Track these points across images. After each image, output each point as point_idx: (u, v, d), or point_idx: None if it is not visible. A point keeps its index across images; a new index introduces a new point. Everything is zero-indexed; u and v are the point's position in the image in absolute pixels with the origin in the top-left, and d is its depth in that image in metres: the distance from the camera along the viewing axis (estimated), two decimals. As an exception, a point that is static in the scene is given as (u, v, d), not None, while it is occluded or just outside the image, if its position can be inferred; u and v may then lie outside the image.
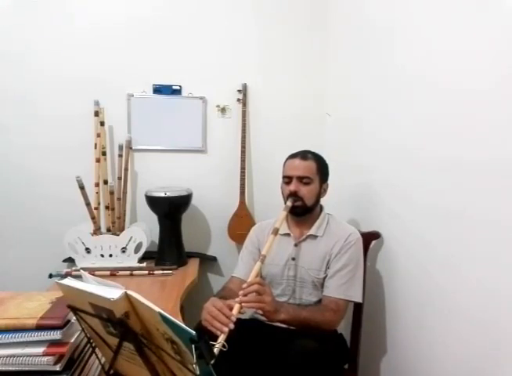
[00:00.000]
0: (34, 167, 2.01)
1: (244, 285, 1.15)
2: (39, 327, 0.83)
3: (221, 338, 0.98)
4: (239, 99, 2.10)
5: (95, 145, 1.97)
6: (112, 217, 1.96)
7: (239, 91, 2.09)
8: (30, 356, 0.81)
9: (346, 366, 1.44)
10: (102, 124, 1.98)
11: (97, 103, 1.98)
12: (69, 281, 0.79)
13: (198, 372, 0.65)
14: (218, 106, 2.12)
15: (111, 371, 0.87)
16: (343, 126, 1.98)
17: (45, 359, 0.81)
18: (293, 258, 1.40)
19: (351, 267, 1.34)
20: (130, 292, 0.70)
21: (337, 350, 1.35)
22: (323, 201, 1.48)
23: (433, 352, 1.17)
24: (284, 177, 1.43)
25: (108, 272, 1.77)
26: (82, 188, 1.81)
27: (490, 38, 0.94)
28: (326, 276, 1.36)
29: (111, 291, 0.71)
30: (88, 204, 1.86)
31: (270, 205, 1.93)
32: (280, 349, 1.17)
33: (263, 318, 1.23)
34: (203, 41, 2.07)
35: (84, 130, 1.99)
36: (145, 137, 2.08)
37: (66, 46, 1.97)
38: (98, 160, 1.96)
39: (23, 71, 1.96)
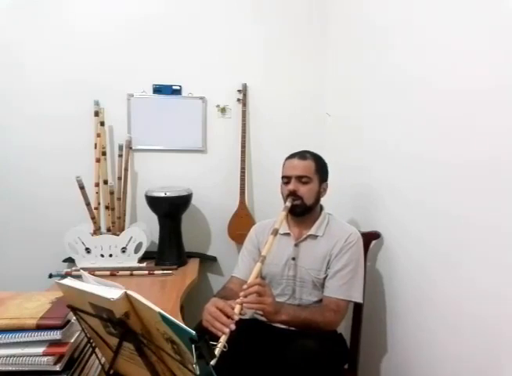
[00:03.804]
0: (34, 167, 2.01)
1: (245, 286, 1.15)
2: (39, 327, 0.83)
3: (223, 339, 0.98)
4: (239, 99, 2.10)
5: (95, 145, 1.97)
6: (112, 217, 1.96)
7: (239, 91, 2.09)
8: (30, 356, 0.81)
9: (346, 366, 1.45)
10: (102, 124, 1.98)
11: (97, 103, 1.98)
12: (69, 281, 0.79)
13: (198, 372, 0.65)
14: (218, 106, 2.12)
15: (111, 371, 0.86)
16: (343, 126, 1.98)
17: (45, 359, 0.81)
18: (293, 258, 1.40)
19: (352, 267, 1.34)
20: (130, 292, 0.70)
21: (336, 350, 1.35)
22: (323, 201, 1.48)
23: (433, 352, 1.17)
24: (283, 177, 1.43)
25: (108, 272, 1.77)
26: (82, 188, 1.81)
27: (490, 38, 0.94)
28: (326, 276, 1.36)
29: (111, 291, 0.71)
30: (88, 204, 1.86)
31: (270, 205, 1.94)
32: (280, 349, 1.17)
33: (263, 318, 1.23)
34: (203, 41, 2.07)
35: (84, 130, 1.99)
36: (145, 137, 2.08)
37: (66, 47, 1.97)
38: (98, 160, 1.96)
39: (23, 72, 1.96)
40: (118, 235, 1.92)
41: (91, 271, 1.64)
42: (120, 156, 1.99)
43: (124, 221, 2.00)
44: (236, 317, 1.05)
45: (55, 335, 0.83)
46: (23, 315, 0.86)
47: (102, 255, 1.88)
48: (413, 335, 1.29)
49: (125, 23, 2.01)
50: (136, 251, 1.92)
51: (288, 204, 1.37)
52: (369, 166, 1.63)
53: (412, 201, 1.29)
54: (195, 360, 0.63)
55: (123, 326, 0.73)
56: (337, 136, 2.03)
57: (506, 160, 0.88)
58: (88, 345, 0.93)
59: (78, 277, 0.88)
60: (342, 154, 1.90)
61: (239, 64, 2.11)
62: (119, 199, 1.96)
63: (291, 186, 1.37)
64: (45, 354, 0.81)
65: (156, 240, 2.00)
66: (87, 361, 0.93)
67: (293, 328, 1.26)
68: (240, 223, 2.09)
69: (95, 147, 1.96)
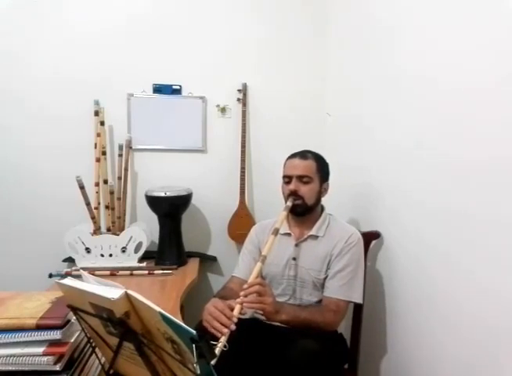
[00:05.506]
0: (33, 167, 2.01)
1: (245, 286, 1.15)
2: (39, 327, 0.83)
3: (223, 339, 0.98)
4: (239, 99, 2.10)
5: (95, 145, 1.96)
6: (112, 217, 1.96)
7: (239, 91, 2.09)
8: (30, 355, 0.81)
9: (346, 366, 1.45)
10: (102, 123, 1.98)
11: (97, 103, 1.98)
12: (69, 281, 0.79)
13: (198, 372, 0.65)
14: (218, 105, 2.12)
15: (111, 371, 0.87)
16: (343, 126, 1.97)
17: (45, 359, 0.81)
18: (294, 258, 1.40)
19: (352, 268, 1.34)
20: (130, 292, 0.70)
21: (337, 350, 1.35)
22: (323, 201, 1.48)
23: (433, 352, 1.17)
24: (284, 177, 1.43)
25: (108, 272, 1.77)
26: (82, 188, 1.81)
27: (490, 38, 0.94)
28: (326, 276, 1.36)
29: (111, 291, 0.71)
30: (88, 204, 1.85)
31: (270, 205, 1.94)
32: (280, 349, 1.17)
33: (263, 317, 1.23)
34: (203, 41, 2.07)
35: (84, 130, 1.99)
36: (145, 137, 2.08)
37: (66, 46, 1.97)
38: (98, 160, 1.96)
39: (23, 71, 1.96)
40: (118, 235, 1.92)
41: (91, 271, 1.64)
42: (120, 156, 1.99)
43: (124, 221, 2.00)
44: (235, 319, 1.05)
45: (55, 335, 0.83)
46: (23, 315, 0.86)
47: (102, 255, 1.88)
48: (413, 335, 1.29)
49: (125, 23, 2.00)
50: (136, 250, 1.92)
51: (289, 203, 1.37)
52: (369, 166, 1.63)
53: (412, 201, 1.29)
54: (195, 360, 0.63)
55: (123, 325, 0.73)
56: (337, 136, 2.03)
57: (507, 158, 0.88)
58: (88, 345, 0.93)
59: (78, 277, 0.88)
60: (342, 154, 1.90)
61: (239, 64, 2.11)
62: (119, 199, 1.96)
63: (292, 186, 1.37)
64: (45, 354, 0.81)
65: (156, 240, 2.00)
66: (87, 361, 0.93)
67: (293, 328, 1.26)
68: (240, 223, 2.09)
69: (95, 147, 1.96)
